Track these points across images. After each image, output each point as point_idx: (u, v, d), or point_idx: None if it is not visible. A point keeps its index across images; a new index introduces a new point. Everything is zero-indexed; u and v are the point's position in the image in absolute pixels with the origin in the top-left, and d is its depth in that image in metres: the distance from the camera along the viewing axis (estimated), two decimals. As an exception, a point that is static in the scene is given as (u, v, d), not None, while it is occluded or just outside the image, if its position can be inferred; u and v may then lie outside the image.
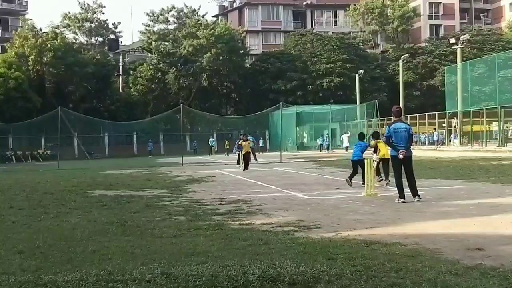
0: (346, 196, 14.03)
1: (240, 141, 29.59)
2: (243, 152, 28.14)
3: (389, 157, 14.07)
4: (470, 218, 9.83)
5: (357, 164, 16.98)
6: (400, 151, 12.32)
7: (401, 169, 12.53)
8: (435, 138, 52.94)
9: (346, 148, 52.00)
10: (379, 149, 17.13)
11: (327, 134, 58.51)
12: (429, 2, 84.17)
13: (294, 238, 8.28)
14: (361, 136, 18.42)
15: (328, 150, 54.04)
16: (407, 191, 12.46)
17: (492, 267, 6.15)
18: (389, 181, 15.93)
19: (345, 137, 53.50)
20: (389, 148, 13.32)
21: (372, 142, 17.82)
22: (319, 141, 56.97)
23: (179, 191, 16.59)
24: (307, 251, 7.23)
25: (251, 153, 29.38)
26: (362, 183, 15.42)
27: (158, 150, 60.32)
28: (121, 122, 55.92)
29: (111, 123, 55.74)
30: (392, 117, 13.42)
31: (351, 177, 16.62)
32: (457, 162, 26.99)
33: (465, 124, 49.46)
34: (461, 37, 52.16)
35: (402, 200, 12.31)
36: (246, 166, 27.10)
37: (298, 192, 15.43)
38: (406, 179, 12.53)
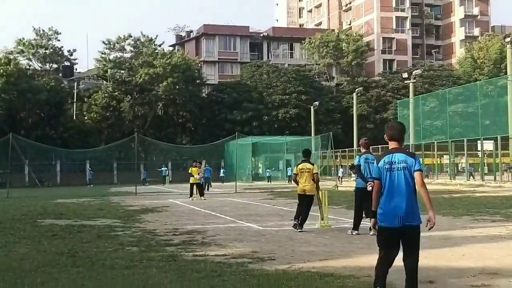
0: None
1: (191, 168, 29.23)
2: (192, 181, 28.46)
3: None
4: (421, 251, 9.90)
5: None
6: (369, 183, 11.82)
7: (363, 201, 12.18)
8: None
9: None
10: None
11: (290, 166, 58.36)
12: (383, 37, 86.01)
13: (248, 270, 8.24)
14: None
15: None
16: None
17: (443, 300, 6.22)
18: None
19: None
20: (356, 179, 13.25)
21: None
22: (289, 172, 55.41)
23: (132, 221, 16.35)
24: (261, 283, 7.20)
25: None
26: None
27: (111, 179, 59.51)
28: (74, 150, 55.08)
29: (63, 150, 54.81)
30: (361, 149, 13.44)
31: None
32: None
33: (417, 157, 50.36)
34: (414, 72, 53.41)
35: (356, 232, 12.39)
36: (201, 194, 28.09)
37: (253, 223, 15.40)
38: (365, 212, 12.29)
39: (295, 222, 13.44)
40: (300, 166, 13.71)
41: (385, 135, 6.36)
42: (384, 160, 6.19)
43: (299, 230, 13.13)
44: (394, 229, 6.13)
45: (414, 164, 6.07)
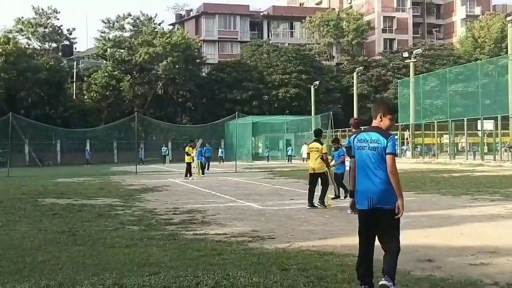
0: (300, 206, 14.10)
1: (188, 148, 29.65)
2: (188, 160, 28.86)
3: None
4: (421, 230, 9.99)
5: None
6: None
7: None
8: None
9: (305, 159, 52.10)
10: None
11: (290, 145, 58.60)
12: (384, 16, 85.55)
13: (248, 248, 8.29)
14: None
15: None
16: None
17: (442, 278, 6.26)
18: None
19: (304, 147, 53.51)
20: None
21: None
22: (289, 151, 56.22)
23: (132, 200, 16.41)
24: (261, 261, 7.23)
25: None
26: None
27: (111, 158, 59.61)
28: (74, 130, 55.08)
29: (63, 130, 54.81)
30: (352, 129, 13.57)
31: None
32: (409, 174, 27.42)
33: (417, 137, 50.40)
34: (414, 51, 53.24)
35: (356, 211, 12.42)
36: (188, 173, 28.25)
37: (253, 202, 15.45)
38: None
39: (309, 205, 13.88)
40: (310, 145, 14.41)
41: None
42: (357, 138, 5.86)
43: (319, 206, 13.77)
44: (366, 211, 5.67)
45: (386, 146, 5.59)
